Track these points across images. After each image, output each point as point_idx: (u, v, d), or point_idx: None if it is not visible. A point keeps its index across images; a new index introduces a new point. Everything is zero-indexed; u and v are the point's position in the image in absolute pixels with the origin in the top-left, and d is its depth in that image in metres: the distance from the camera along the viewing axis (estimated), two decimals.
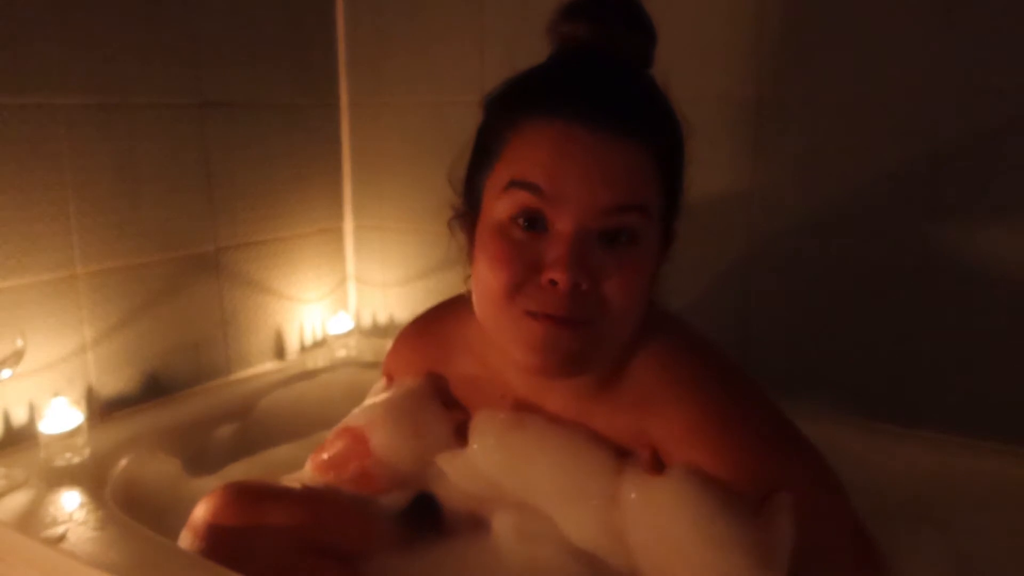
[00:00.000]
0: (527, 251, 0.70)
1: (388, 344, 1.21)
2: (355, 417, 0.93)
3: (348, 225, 1.64)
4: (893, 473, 1.02)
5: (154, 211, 1.26)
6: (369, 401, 0.94)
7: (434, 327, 0.95)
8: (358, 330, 1.64)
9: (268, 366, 1.48)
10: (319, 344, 1.59)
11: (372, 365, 1.47)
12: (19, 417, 1.10)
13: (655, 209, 0.72)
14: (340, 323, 1.55)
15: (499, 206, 0.71)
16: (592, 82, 0.71)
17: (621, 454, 0.78)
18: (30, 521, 0.90)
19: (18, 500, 0.95)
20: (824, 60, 1.12)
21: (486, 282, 0.72)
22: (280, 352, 1.52)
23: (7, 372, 0.99)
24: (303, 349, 1.56)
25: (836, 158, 1.13)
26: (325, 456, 0.91)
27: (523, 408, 0.83)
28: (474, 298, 0.77)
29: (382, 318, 1.64)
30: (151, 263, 1.26)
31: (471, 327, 0.85)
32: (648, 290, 0.74)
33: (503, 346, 0.75)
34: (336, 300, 1.63)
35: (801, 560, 0.71)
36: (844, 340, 1.16)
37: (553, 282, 0.69)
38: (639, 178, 0.70)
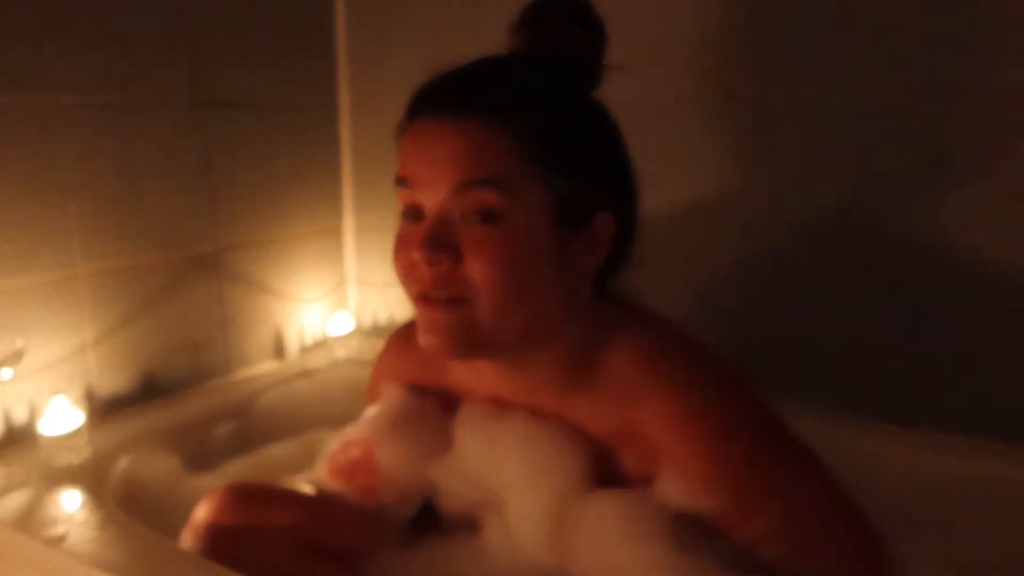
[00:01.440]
0: (407, 240, 0.75)
1: None
2: (363, 427, 0.92)
3: (348, 225, 1.64)
4: (893, 473, 1.02)
5: (154, 211, 1.26)
6: (375, 411, 0.93)
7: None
8: (358, 330, 1.64)
9: (268, 366, 1.48)
10: (319, 344, 1.59)
11: (372, 364, 1.47)
12: (19, 417, 1.10)
13: (523, 183, 0.72)
14: (340, 323, 1.55)
15: (399, 206, 0.78)
16: (449, 77, 0.77)
17: (602, 451, 0.78)
18: (30, 521, 0.90)
19: (18, 500, 0.95)
20: (824, 60, 1.12)
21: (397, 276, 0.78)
22: (280, 352, 1.52)
23: (7, 372, 1.00)
24: (303, 349, 1.56)
25: (836, 158, 1.13)
26: (341, 461, 0.89)
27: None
28: None
29: (382, 318, 1.64)
30: (151, 263, 1.26)
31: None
32: (536, 269, 0.73)
33: None
34: (336, 300, 1.63)
35: (792, 567, 0.71)
36: (844, 340, 1.16)
37: (415, 262, 0.73)
38: (488, 154, 0.72)
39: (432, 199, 0.73)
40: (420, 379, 0.93)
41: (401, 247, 0.76)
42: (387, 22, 1.51)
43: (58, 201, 1.13)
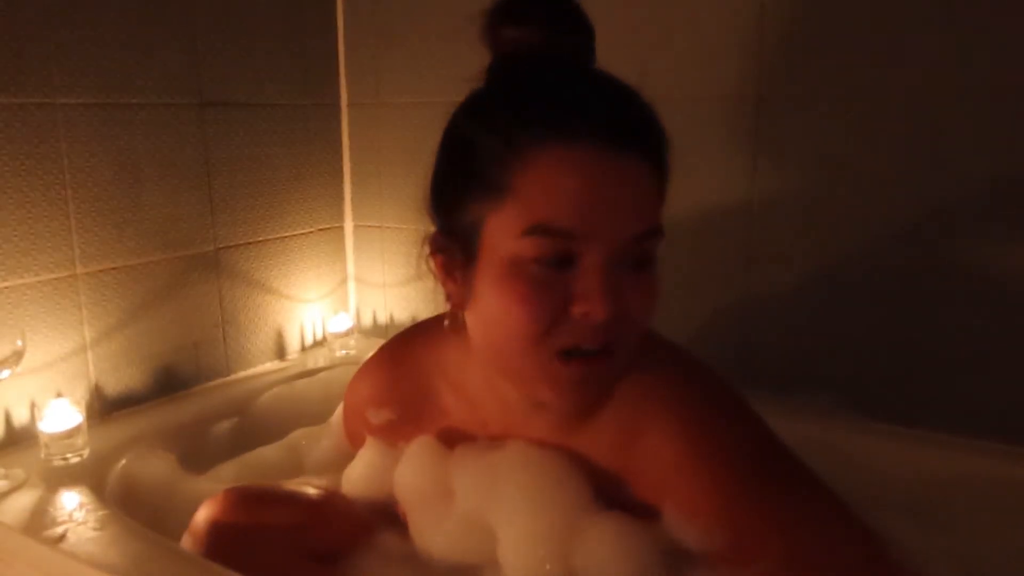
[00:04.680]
0: (554, 288, 0.66)
1: None
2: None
3: (348, 225, 1.64)
4: (893, 473, 1.02)
5: (154, 211, 1.26)
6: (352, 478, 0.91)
7: (409, 357, 0.90)
8: (358, 330, 1.64)
9: (268, 366, 1.48)
10: (319, 344, 1.59)
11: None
12: (19, 417, 1.11)
13: (663, 223, 0.70)
14: (340, 323, 1.55)
15: (518, 247, 0.66)
16: (599, 101, 0.67)
17: (606, 482, 0.76)
18: (30, 521, 0.90)
19: (18, 500, 0.95)
20: (824, 60, 1.12)
21: (508, 324, 0.68)
22: (280, 352, 1.52)
23: (7, 372, 1.00)
24: (303, 349, 1.56)
25: (836, 158, 1.13)
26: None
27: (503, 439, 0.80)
28: (483, 339, 0.73)
29: (382, 318, 1.64)
30: (151, 263, 1.26)
31: (446, 355, 0.83)
32: None
33: (523, 387, 0.72)
34: (336, 300, 1.63)
35: None
36: (844, 340, 1.16)
37: (586, 315, 0.66)
38: (655, 200, 0.68)
39: (603, 247, 0.65)
40: (408, 408, 0.88)
41: (545, 292, 0.66)
42: (387, 22, 1.51)
43: (58, 201, 1.13)
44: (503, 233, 0.67)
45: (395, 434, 0.88)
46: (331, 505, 0.87)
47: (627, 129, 0.66)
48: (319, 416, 1.26)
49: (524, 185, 0.65)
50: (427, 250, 0.77)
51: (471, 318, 0.74)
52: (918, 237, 1.09)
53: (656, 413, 0.73)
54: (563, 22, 0.73)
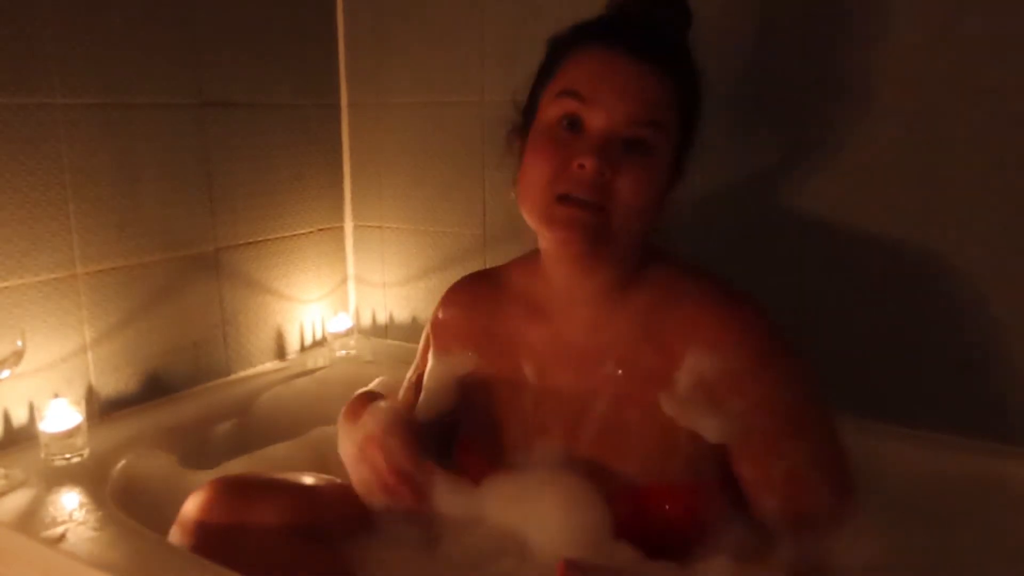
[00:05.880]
0: (566, 146, 0.82)
1: (388, 344, 1.17)
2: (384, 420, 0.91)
3: (348, 225, 1.64)
4: (893, 473, 1.02)
5: (154, 211, 1.26)
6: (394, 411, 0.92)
7: (488, 280, 1.02)
8: (358, 330, 1.65)
9: (268, 366, 1.48)
10: (319, 344, 1.59)
11: (372, 364, 1.48)
12: (19, 417, 1.11)
13: (671, 131, 0.84)
14: (340, 323, 1.55)
15: (549, 111, 0.85)
16: (636, 23, 0.87)
17: (634, 351, 0.88)
18: (30, 521, 0.90)
19: (18, 500, 0.95)
20: (823, 60, 1.12)
21: (531, 173, 0.85)
22: (280, 352, 1.52)
23: (7, 372, 1.00)
24: (303, 349, 1.56)
25: (835, 157, 1.13)
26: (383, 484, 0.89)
27: (563, 326, 0.92)
28: (520, 191, 0.88)
29: (382, 318, 1.64)
30: (151, 263, 1.26)
31: (524, 274, 0.96)
32: (656, 201, 0.85)
33: (539, 231, 0.87)
34: (336, 300, 1.63)
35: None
36: (844, 340, 1.16)
37: (581, 166, 0.80)
38: (661, 101, 0.82)
39: (602, 119, 0.81)
40: (483, 327, 0.98)
41: (557, 148, 0.83)
42: (387, 23, 1.51)
43: (58, 201, 1.13)
44: (545, 105, 0.86)
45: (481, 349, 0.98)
46: (327, 489, 0.88)
47: (645, 44, 0.83)
48: (319, 416, 1.26)
49: (564, 70, 0.86)
50: (510, 138, 0.93)
51: (520, 178, 0.88)
52: (918, 237, 1.09)
53: (679, 290, 0.88)
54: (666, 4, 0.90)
